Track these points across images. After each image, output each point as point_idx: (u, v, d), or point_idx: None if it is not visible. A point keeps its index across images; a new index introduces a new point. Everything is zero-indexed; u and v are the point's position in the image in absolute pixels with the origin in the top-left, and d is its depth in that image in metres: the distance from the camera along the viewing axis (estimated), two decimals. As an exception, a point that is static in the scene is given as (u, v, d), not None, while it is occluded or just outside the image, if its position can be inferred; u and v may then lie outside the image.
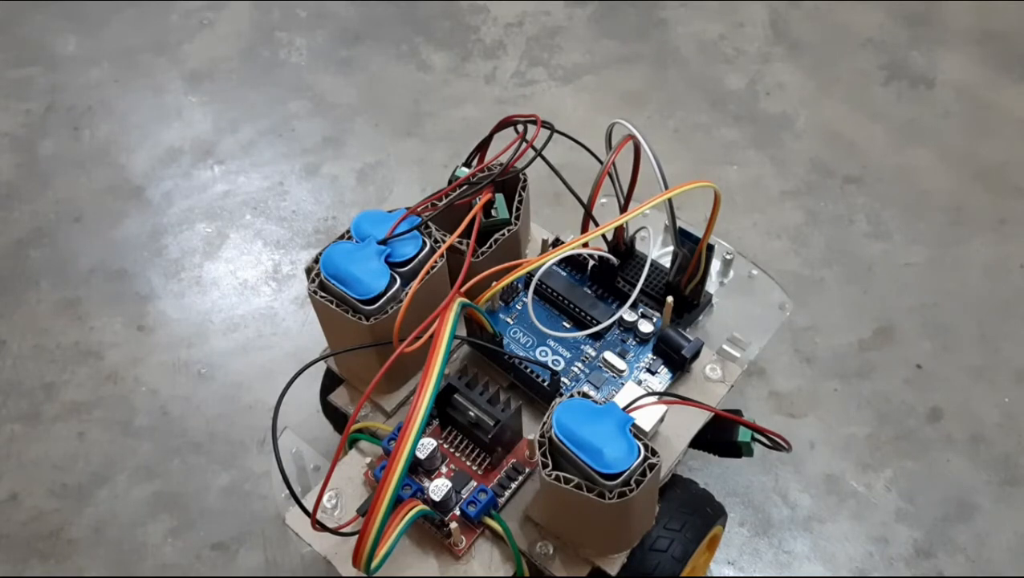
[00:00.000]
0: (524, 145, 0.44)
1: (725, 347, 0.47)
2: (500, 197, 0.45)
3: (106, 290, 0.69)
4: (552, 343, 0.46)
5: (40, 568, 0.57)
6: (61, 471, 0.61)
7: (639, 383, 0.45)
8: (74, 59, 0.84)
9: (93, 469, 0.61)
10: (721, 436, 0.45)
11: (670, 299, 0.45)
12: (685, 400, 0.42)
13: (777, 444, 0.43)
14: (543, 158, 0.45)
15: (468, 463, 0.43)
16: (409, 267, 0.42)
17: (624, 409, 0.40)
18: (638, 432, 0.39)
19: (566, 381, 0.45)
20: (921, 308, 0.66)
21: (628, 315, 0.46)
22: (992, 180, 0.72)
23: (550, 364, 0.45)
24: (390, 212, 0.43)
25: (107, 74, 0.83)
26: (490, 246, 0.45)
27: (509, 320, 0.47)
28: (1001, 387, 0.62)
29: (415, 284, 0.41)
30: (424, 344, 0.38)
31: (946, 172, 0.73)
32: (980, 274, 0.67)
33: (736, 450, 0.46)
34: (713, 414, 0.43)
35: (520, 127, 0.44)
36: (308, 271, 0.42)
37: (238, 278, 0.70)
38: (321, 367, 0.49)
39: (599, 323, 0.46)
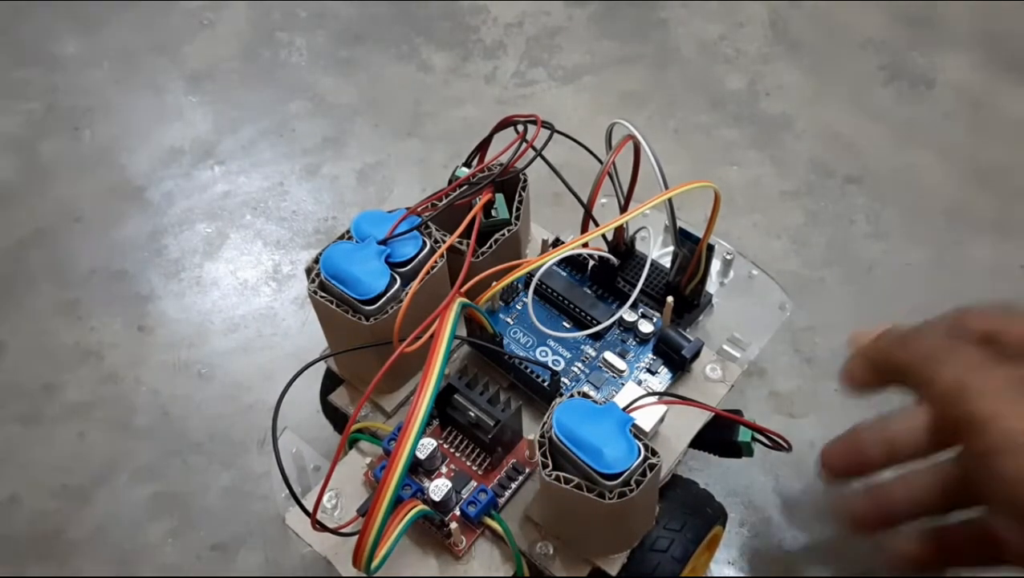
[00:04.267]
0: (524, 145, 0.44)
1: (725, 347, 0.47)
2: (500, 197, 0.45)
3: (106, 290, 0.69)
4: (552, 343, 0.46)
5: (40, 569, 0.57)
6: (61, 472, 0.61)
7: (639, 383, 0.45)
8: (74, 60, 0.84)
9: (93, 470, 0.61)
10: (721, 436, 0.45)
11: (670, 299, 0.45)
12: (685, 400, 0.42)
13: (777, 444, 0.43)
14: (543, 158, 0.45)
15: (468, 463, 0.43)
16: (409, 267, 0.42)
17: (624, 409, 0.40)
18: (638, 432, 0.39)
19: (566, 381, 0.45)
20: (921, 308, 0.65)
21: (628, 315, 0.46)
22: (992, 181, 0.72)
23: (550, 364, 0.45)
24: (390, 212, 0.43)
25: (107, 75, 0.83)
26: (490, 246, 0.45)
27: (509, 320, 0.47)
28: (1001, 387, 0.62)
29: (415, 284, 0.41)
30: (424, 344, 0.38)
31: (946, 173, 0.73)
32: (980, 274, 0.67)
33: (736, 450, 0.46)
34: (713, 414, 0.43)
35: (520, 127, 0.44)
36: (308, 271, 0.42)
37: (238, 278, 0.70)
38: (321, 367, 0.49)
39: (599, 323, 0.46)
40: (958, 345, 0.36)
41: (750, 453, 0.45)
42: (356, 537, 0.36)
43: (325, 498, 0.43)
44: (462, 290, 0.41)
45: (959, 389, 0.33)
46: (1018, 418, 0.31)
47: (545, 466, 0.37)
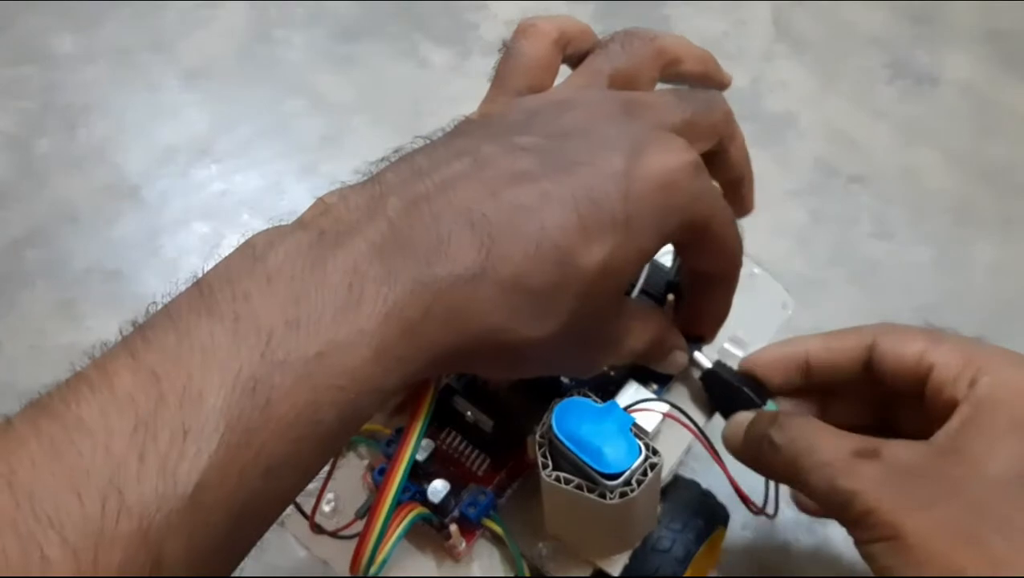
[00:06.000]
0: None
1: (727, 346, 0.47)
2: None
3: (102, 290, 0.69)
4: (552, 342, 0.46)
5: (34, 571, 0.56)
6: (56, 473, 0.60)
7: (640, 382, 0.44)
8: (70, 57, 0.84)
9: (88, 471, 0.60)
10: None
11: (671, 298, 0.45)
12: (682, 413, 0.42)
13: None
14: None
15: (468, 464, 0.42)
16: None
17: (625, 409, 0.39)
18: (639, 432, 0.38)
19: (566, 380, 0.44)
20: (925, 308, 0.65)
21: (630, 314, 0.46)
22: (997, 179, 0.71)
23: (550, 364, 0.45)
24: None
25: (103, 72, 0.83)
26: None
27: (509, 319, 0.47)
28: (1007, 387, 0.61)
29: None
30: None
31: (951, 171, 0.72)
32: (985, 274, 0.67)
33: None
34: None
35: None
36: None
37: (235, 278, 0.69)
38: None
39: (600, 322, 0.45)
40: (824, 437, 0.37)
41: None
42: (354, 540, 0.35)
43: (323, 501, 0.42)
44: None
45: (832, 493, 0.35)
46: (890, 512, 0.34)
47: (545, 466, 0.37)
